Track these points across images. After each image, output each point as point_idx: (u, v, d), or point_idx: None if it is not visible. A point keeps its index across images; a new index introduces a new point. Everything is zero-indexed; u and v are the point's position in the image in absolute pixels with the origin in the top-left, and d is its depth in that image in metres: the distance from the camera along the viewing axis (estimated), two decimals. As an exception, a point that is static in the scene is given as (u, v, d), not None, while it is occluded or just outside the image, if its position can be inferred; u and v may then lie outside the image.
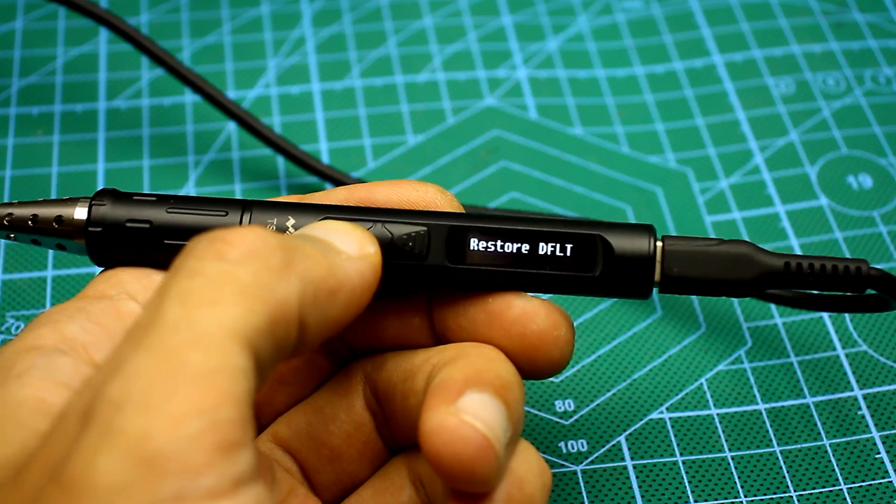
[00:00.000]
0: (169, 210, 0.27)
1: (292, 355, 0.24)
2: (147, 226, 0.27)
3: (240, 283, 0.22)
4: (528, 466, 0.26)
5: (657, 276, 0.27)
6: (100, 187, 0.41)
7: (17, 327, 0.37)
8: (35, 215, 0.27)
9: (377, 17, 0.48)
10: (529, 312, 0.27)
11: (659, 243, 0.27)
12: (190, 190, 0.41)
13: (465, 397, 0.25)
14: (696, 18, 0.48)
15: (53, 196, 0.41)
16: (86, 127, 0.43)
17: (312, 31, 0.47)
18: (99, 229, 0.27)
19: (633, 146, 0.43)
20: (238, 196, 0.41)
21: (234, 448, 0.20)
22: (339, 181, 0.40)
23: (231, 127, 0.43)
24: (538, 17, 0.48)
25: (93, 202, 0.27)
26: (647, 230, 0.27)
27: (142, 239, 0.27)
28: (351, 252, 0.25)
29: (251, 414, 0.21)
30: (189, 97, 0.44)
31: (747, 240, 0.28)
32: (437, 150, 0.43)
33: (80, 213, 0.27)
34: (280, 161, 0.42)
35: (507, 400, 0.25)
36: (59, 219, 0.27)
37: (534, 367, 0.27)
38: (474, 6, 0.49)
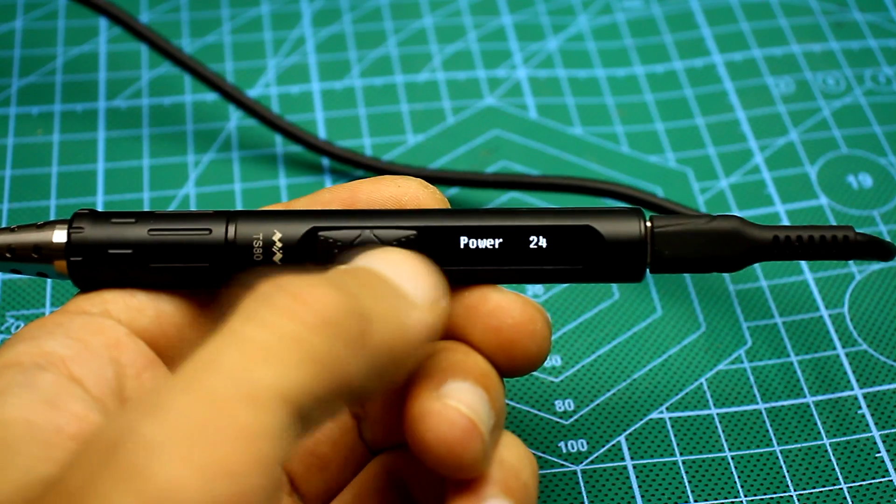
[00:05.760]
0: (151, 231, 0.26)
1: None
2: (129, 251, 0.26)
3: (311, 349, 0.21)
4: (519, 456, 0.26)
5: (648, 258, 0.27)
6: (100, 187, 0.41)
7: (17, 327, 0.37)
8: (11, 246, 0.27)
9: (377, 16, 0.48)
10: (504, 306, 0.27)
11: (648, 224, 0.27)
12: (190, 190, 0.41)
13: (447, 384, 0.25)
14: (696, 18, 0.48)
15: (52, 196, 0.41)
16: (86, 126, 0.43)
17: (312, 30, 0.47)
18: (79, 259, 0.26)
19: (633, 146, 0.43)
20: (238, 196, 0.41)
21: None
22: (330, 152, 0.40)
23: (231, 126, 0.44)
24: (538, 17, 0.48)
25: (70, 229, 0.26)
26: (636, 214, 0.27)
27: (125, 265, 0.26)
28: (423, 302, 0.24)
29: (280, 478, 0.20)
30: (189, 97, 0.44)
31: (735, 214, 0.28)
32: (437, 150, 0.43)
33: (59, 237, 0.26)
34: (280, 161, 0.42)
35: (488, 387, 0.25)
36: (37, 248, 0.27)
37: (511, 361, 0.27)
38: (474, 6, 0.49)
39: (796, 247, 0.28)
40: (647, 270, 0.28)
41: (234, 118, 0.44)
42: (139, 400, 0.21)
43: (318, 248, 0.27)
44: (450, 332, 0.27)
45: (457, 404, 0.24)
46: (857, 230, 0.29)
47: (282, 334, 0.21)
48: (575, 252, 0.27)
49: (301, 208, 0.28)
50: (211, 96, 0.44)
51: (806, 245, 0.28)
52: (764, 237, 0.28)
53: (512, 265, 0.27)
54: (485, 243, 0.27)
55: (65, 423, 0.23)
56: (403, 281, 0.24)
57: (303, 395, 0.21)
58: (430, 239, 0.27)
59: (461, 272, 0.27)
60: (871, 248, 0.29)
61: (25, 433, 0.22)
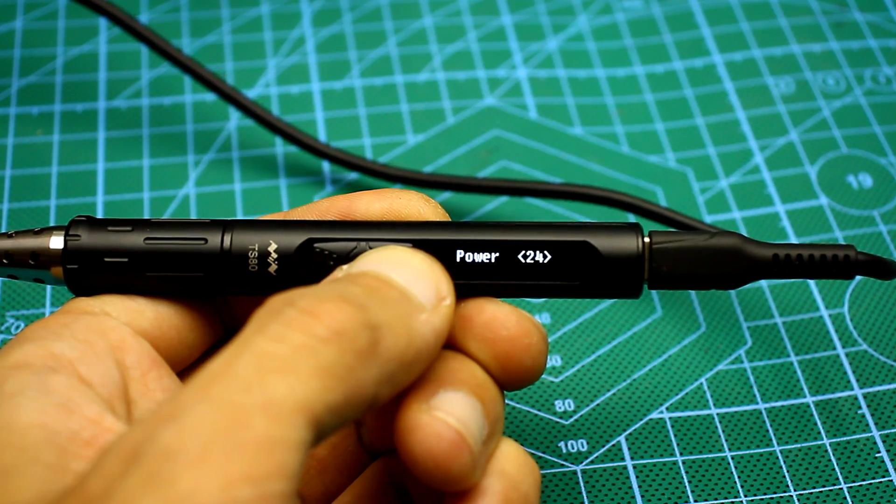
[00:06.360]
0: (147, 240, 0.27)
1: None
2: (126, 260, 0.26)
3: (323, 360, 0.22)
4: (519, 466, 0.26)
5: (646, 275, 0.27)
6: (100, 187, 0.41)
7: (18, 327, 0.37)
8: (9, 252, 0.27)
9: (377, 16, 0.48)
10: (500, 318, 0.26)
11: (646, 239, 0.27)
12: (190, 190, 0.41)
13: (438, 395, 0.25)
14: (696, 18, 0.48)
15: (52, 196, 0.41)
16: (86, 126, 0.43)
17: (312, 30, 0.47)
18: (76, 266, 0.26)
19: (633, 146, 0.43)
20: (238, 196, 0.41)
21: None
22: (326, 154, 0.40)
23: (231, 126, 0.44)
24: (538, 17, 0.48)
25: (67, 236, 0.27)
26: (634, 229, 0.27)
27: (121, 272, 0.27)
28: (428, 302, 0.25)
29: (298, 485, 0.21)
30: (189, 97, 0.44)
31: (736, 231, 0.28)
32: (437, 150, 0.43)
33: (56, 243, 0.27)
34: (280, 161, 0.42)
35: (482, 398, 0.25)
36: (34, 255, 0.27)
37: (506, 373, 0.27)
38: (474, 6, 0.49)
39: (796, 265, 0.28)
40: (646, 286, 0.28)
41: (234, 118, 0.44)
42: (157, 408, 0.21)
43: (314, 260, 0.27)
44: (446, 343, 0.27)
45: (445, 416, 0.24)
46: (859, 229, 0.28)
47: (294, 347, 0.22)
48: (572, 267, 0.27)
49: (298, 218, 0.28)
50: (211, 96, 0.44)
51: (806, 264, 0.28)
52: (764, 255, 0.28)
53: (508, 279, 0.27)
54: (481, 257, 0.27)
55: (80, 428, 0.22)
56: (409, 283, 0.25)
57: (316, 405, 0.21)
58: (425, 252, 0.27)
59: (457, 286, 0.27)
60: (873, 268, 0.28)
61: (42, 439, 0.22)
